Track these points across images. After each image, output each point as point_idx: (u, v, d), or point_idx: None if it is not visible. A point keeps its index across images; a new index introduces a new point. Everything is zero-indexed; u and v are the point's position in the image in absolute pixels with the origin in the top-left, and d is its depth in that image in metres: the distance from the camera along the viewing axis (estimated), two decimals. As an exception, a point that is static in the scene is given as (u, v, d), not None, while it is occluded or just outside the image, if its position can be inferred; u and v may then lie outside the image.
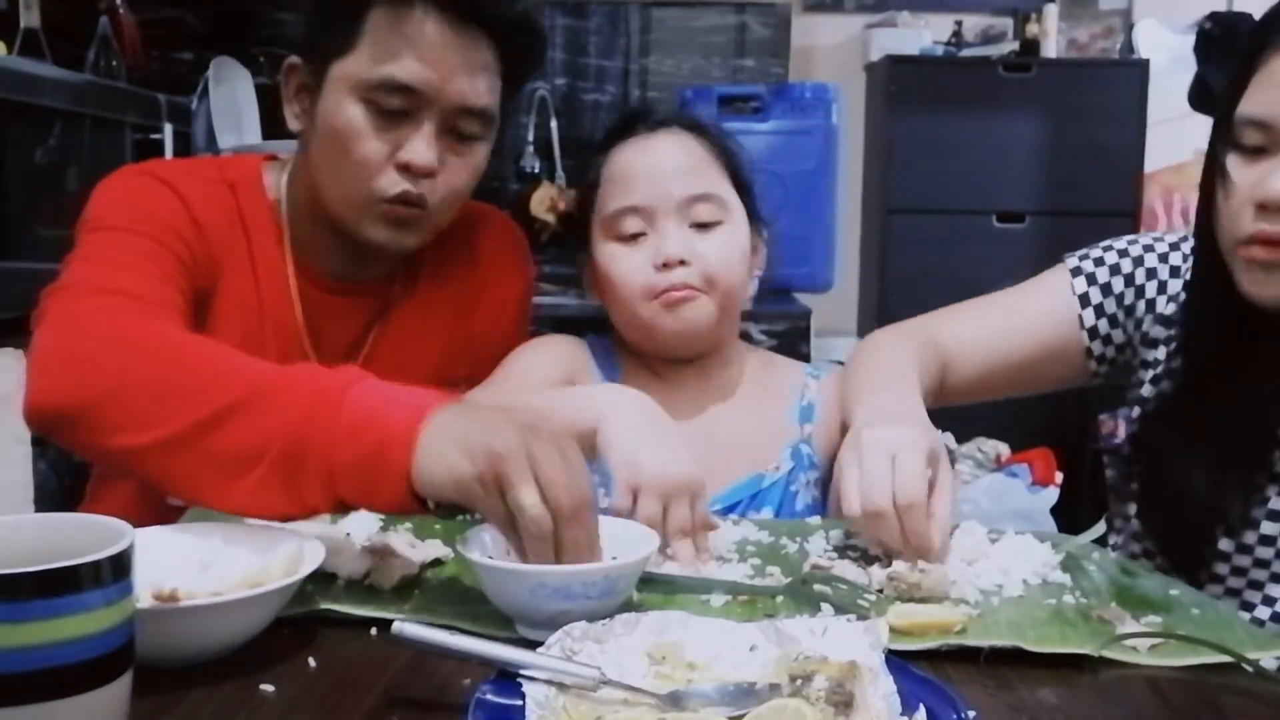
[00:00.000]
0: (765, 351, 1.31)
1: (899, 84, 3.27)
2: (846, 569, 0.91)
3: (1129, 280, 1.14)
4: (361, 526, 0.93)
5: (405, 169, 1.08)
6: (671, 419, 1.01)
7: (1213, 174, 1.01)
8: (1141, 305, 1.14)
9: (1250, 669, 0.74)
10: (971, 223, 3.28)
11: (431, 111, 1.08)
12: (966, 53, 3.40)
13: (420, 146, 1.08)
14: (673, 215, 1.16)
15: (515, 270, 1.29)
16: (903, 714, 0.62)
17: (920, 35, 3.42)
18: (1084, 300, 1.15)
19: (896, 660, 0.68)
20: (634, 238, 1.17)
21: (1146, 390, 1.13)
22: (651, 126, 1.21)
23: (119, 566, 0.59)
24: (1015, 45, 3.36)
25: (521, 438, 0.77)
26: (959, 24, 3.46)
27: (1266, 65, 0.95)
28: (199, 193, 1.12)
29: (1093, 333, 1.14)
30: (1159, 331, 1.13)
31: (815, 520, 1.08)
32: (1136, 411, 1.14)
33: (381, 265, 1.20)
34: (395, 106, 1.07)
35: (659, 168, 1.18)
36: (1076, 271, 1.16)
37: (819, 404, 1.24)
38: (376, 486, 0.80)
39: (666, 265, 1.15)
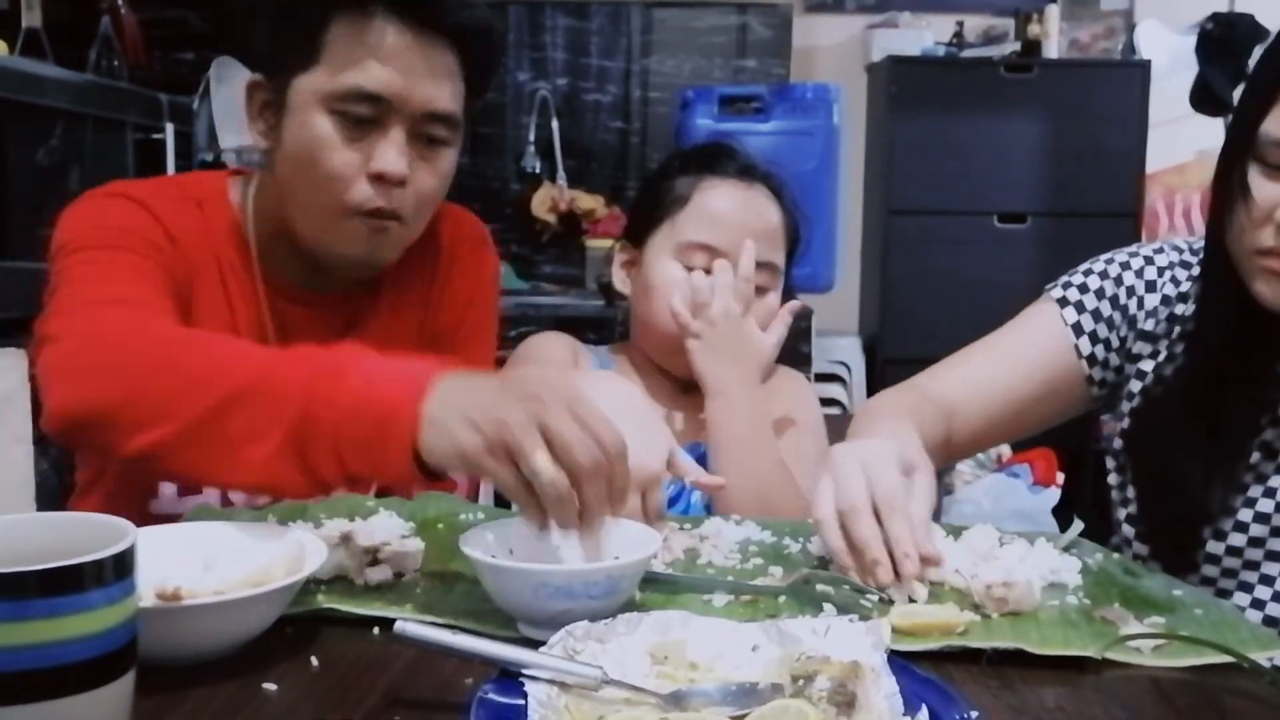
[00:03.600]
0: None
1: (900, 84, 3.27)
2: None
3: (1114, 302, 1.15)
4: (379, 527, 0.93)
5: (378, 179, 1.08)
6: (655, 411, 1.07)
7: (1228, 179, 1.01)
8: (1125, 324, 1.15)
9: (1253, 669, 0.74)
10: (973, 223, 3.28)
11: (399, 119, 1.08)
12: (968, 53, 3.40)
13: (391, 154, 1.08)
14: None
15: (475, 263, 1.29)
16: (905, 714, 0.62)
17: (921, 36, 3.42)
18: (1077, 329, 1.15)
19: (899, 660, 0.68)
20: (696, 271, 1.26)
21: (1136, 401, 1.14)
22: (744, 174, 1.30)
23: (121, 565, 0.59)
24: (1017, 46, 3.36)
25: (526, 404, 0.77)
26: (960, 24, 3.46)
27: None
28: (171, 211, 1.12)
29: (1091, 360, 1.15)
30: (1141, 347, 1.14)
31: (817, 520, 1.08)
32: (1126, 417, 1.15)
33: (352, 276, 1.20)
34: (364, 115, 1.07)
35: (748, 224, 1.27)
36: (1064, 302, 1.16)
37: None
38: (385, 461, 0.81)
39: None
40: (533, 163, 3.34)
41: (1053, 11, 3.35)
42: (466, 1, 1.11)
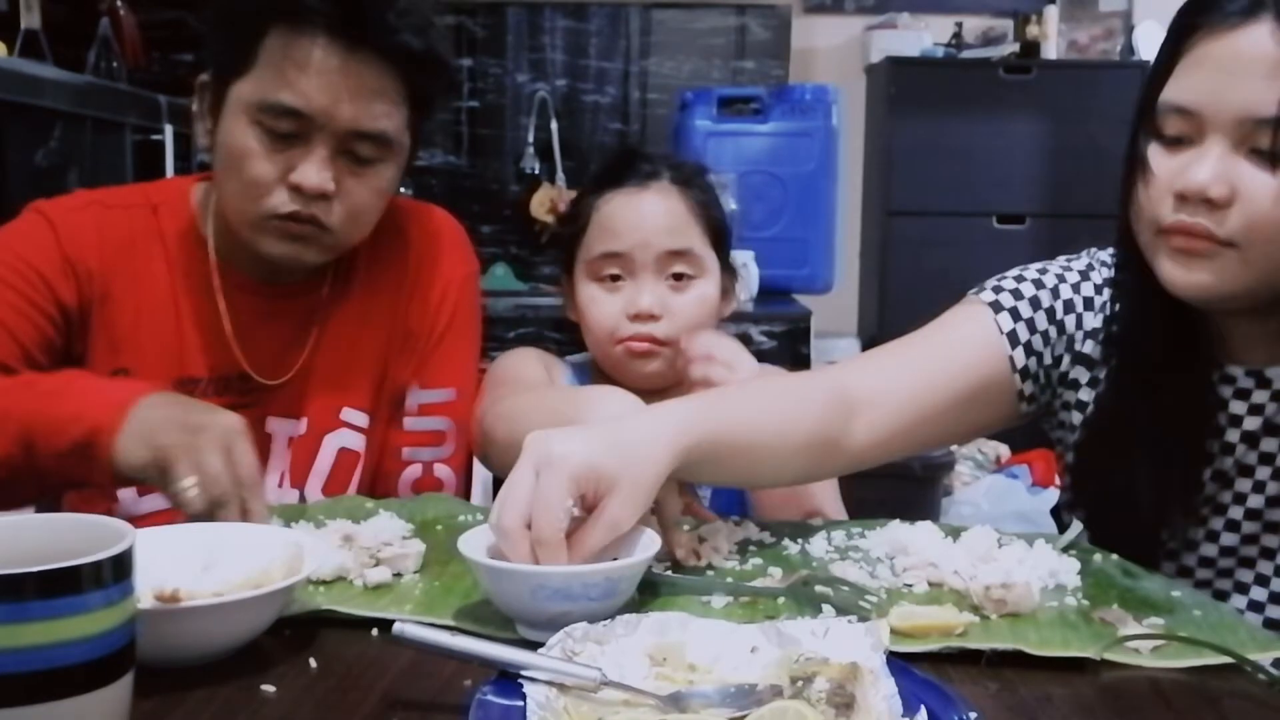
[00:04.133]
0: None
1: (899, 86, 3.27)
2: (848, 570, 0.91)
3: (1050, 315, 1.07)
4: (379, 528, 0.93)
5: (296, 190, 1.09)
6: None
7: (1133, 167, 0.97)
8: (1063, 342, 1.07)
9: (1252, 670, 0.74)
10: (972, 224, 3.29)
11: (323, 135, 1.08)
12: (967, 54, 3.40)
13: (310, 170, 1.08)
14: (650, 267, 1.26)
15: (447, 266, 1.28)
16: (904, 715, 0.62)
17: (920, 37, 3.43)
18: (1013, 339, 1.05)
19: (898, 662, 0.68)
20: (613, 280, 1.28)
21: (1078, 434, 1.08)
22: (642, 179, 1.29)
23: (120, 567, 0.59)
24: (1015, 47, 3.36)
25: (187, 435, 0.92)
26: (959, 26, 3.46)
27: (1193, 50, 0.91)
28: (87, 223, 1.16)
29: (1024, 373, 1.06)
30: (1079, 373, 1.07)
31: (818, 521, 1.08)
32: (1070, 452, 1.10)
33: (303, 270, 1.21)
34: (284, 129, 1.08)
35: (644, 221, 1.27)
36: (997, 307, 1.06)
37: None
38: (92, 470, 0.96)
39: (638, 317, 1.25)
40: (532, 164, 3.35)
41: (1051, 13, 3.35)
42: (408, 25, 1.10)
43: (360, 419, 1.22)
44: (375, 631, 0.78)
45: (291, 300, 1.21)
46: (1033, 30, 3.33)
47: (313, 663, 0.73)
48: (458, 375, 1.26)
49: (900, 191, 3.31)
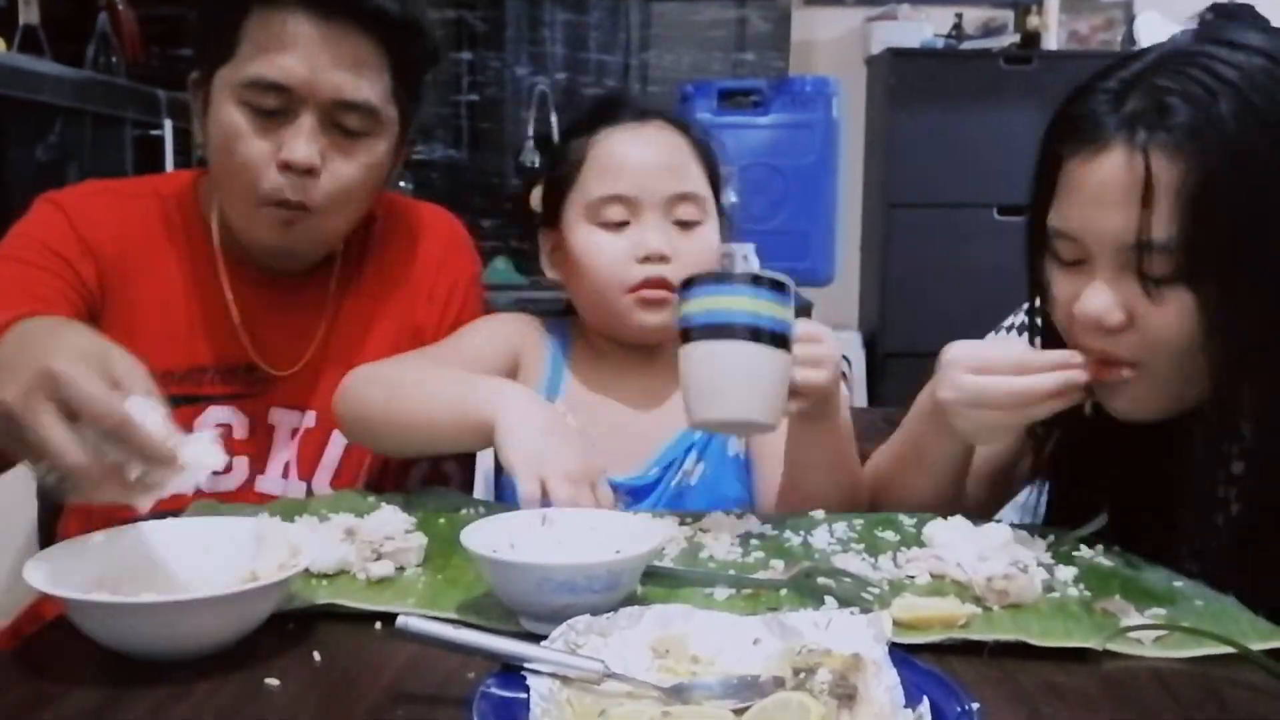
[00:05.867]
0: None
1: (899, 77, 3.27)
2: (850, 562, 0.91)
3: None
4: (382, 522, 0.93)
5: (286, 168, 1.09)
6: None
7: (1037, 285, 0.98)
8: None
9: (1254, 660, 0.74)
10: (972, 216, 3.28)
11: (308, 108, 1.09)
12: (967, 45, 3.40)
13: (299, 143, 1.08)
14: (658, 210, 1.18)
15: (456, 265, 1.30)
16: (906, 706, 0.62)
17: (921, 28, 3.42)
18: None
19: (900, 653, 0.68)
20: (617, 226, 1.18)
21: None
22: (638, 116, 1.22)
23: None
24: (1016, 38, 3.36)
25: (31, 377, 0.72)
26: (959, 17, 3.46)
27: (1064, 176, 0.92)
28: (99, 209, 1.17)
29: None
30: None
31: (820, 514, 1.08)
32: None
33: (306, 261, 1.22)
34: (270, 106, 1.09)
35: (649, 161, 1.19)
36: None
37: None
38: None
39: (649, 259, 1.17)
40: (531, 157, 3.34)
41: (1052, 3, 3.35)
42: None
43: None
44: (378, 625, 0.78)
45: (299, 291, 1.22)
46: (1033, 21, 3.32)
47: (316, 656, 0.74)
48: None
49: (901, 183, 3.30)
